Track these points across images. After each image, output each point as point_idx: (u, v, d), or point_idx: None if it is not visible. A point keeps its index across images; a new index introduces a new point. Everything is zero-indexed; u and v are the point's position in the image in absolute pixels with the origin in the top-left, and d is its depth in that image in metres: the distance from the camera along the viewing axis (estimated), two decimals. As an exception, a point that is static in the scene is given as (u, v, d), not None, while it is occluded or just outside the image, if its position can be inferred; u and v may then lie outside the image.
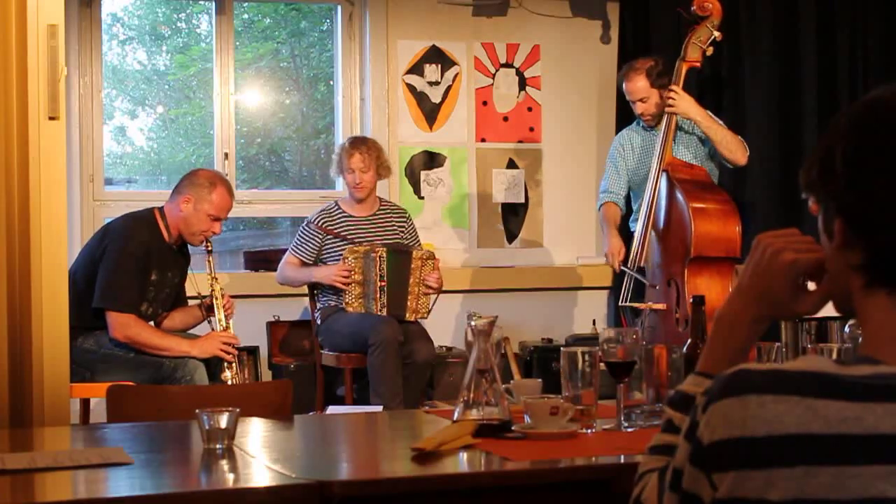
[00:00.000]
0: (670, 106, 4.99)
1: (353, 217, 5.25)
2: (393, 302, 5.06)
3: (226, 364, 4.40)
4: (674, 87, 5.01)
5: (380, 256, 5.06)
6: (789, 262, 1.40)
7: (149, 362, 4.24)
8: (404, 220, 5.36)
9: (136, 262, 4.31)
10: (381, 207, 5.34)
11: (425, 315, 5.16)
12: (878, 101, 1.28)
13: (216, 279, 4.52)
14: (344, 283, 5.05)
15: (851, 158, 1.26)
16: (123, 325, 4.25)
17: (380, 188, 5.75)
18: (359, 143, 5.23)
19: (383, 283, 5.06)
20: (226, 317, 4.50)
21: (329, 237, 5.19)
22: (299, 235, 5.27)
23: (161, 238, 4.44)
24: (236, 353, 4.46)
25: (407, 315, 5.09)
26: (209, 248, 4.52)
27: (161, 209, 4.50)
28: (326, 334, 5.12)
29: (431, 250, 5.30)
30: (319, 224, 5.20)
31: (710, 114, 5.10)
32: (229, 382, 4.37)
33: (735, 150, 5.01)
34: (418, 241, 5.37)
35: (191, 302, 4.66)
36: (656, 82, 5.12)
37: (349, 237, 5.18)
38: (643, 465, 1.45)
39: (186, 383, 4.14)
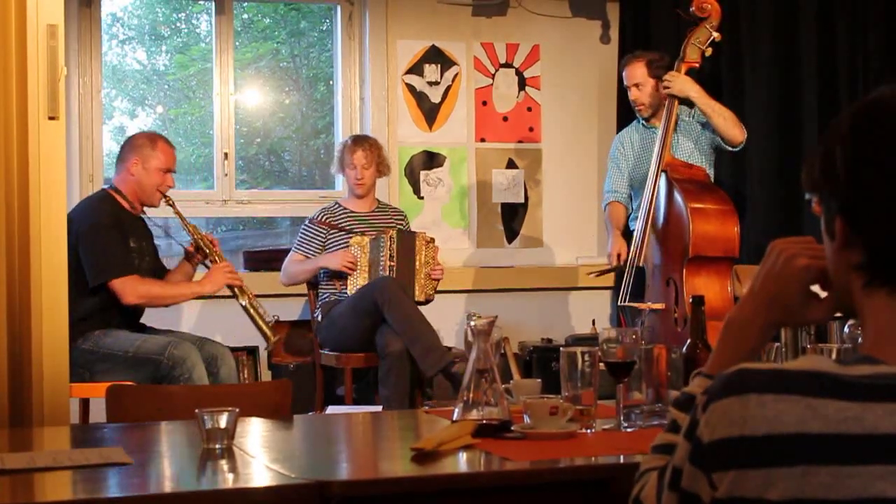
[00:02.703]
0: (667, 87, 5.01)
1: (355, 213, 5.33)
2: (402, 280, 5.10)
3: (237, 290, 4.52)
4: (668, 74, 5.05)
5: (390, 237, 5.17)
6: (803, 266, 1.40)
7: (147, 361, 4.24)
8: (402, 220, 5.46)
9: (112, 230, 4.34)
10: (380, 206, 5.45)
11: (431, 296, 5.22)
12: (879, 101, 1.29)
13: (189, 223, 4.60)
14: (349, 269, 5.09)
15: (852, 158, 1.27)
16: (132, 286, 4.30)
17: (379, 188, 5.75)
18: (361, 141, 5.35)
19: (392, 264, 5.13)
20: (215, 252, 4.56)
21: (333, 231, 5.24)
22: (302, 233, 5.32)
23: (125, 209, 4.49)
24: (241, 277, 4.59)
25: (417, 295, 5.14)
26: (170, 202, 4.57)
27: (113, 187, 4.54)
28: (328, 328, 5.12)
29: (432, 236, 5.37)
30: (322, 220, 5.28)
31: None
32: (246, 304, 4.50)
33: (733, 126, 5.03)
34: None
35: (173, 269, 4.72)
36: (654, 72, 5.17)
37: (354, 230, 5.23)
38: (644, 464, 1.45)
39: (185, 381, 4.14)
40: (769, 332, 1.47)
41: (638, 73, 5.22)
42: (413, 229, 5.48)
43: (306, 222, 5.34)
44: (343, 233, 5.25)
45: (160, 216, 4.94)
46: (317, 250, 5.27)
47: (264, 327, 4.56)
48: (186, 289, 4.47)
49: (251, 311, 4.56)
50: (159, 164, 4.52)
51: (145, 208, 4.60)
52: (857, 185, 1.26)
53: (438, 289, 5.32)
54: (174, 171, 4.61)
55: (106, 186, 4.60)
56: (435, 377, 4.86)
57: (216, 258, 4.57)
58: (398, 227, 5.35)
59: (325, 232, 5.27)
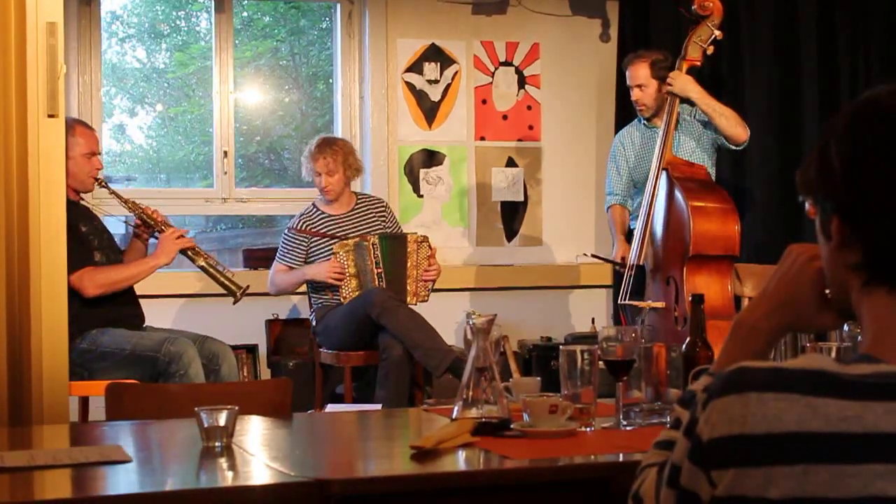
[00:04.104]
0: (669, 86, 5.01)
1: (333, 216, 5.25)
2: (392, 287, 5.06)
3: (192, 253, 4.52)
4: (671, 73, 5.04)
5: (372, 244, 5.07)
6: (820, 268, 1.40)
7: (144, 358, 4.24)
8: (383, 208, 5.37)
9: None
10: (359, 202, 5.34)
11: (426, 298, 5.17)
12: (874, 100, 1.29)
13: (129, 200, 4.59)
14: (337, 280, 5.05)
15: (848, 157, 1.26)
16: (89, 278, 4.28)
17: (378, 187, 5.75)
18: (324, 147, 5.17)
19: (380, 270, 5.07)
20: (160, 222, 4.56)
21: (315, 238, 5.18)
22: (283, 243, 5.24)
23: None
24: (193, 239, 4.58)
25: (408, 299, 5.09)
26: (103, 184, 4.56)
27: None
28: (324, 333, 5.11)
29: (424, 234, 5.30)
30: (301, 228, 5.20)
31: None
32: (204, 265, 4.50)
33: (736, 125, 5.03)
34: (399, 227, 5.38)
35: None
36: (657, 74, 5.15)
37: (335, 235, 5.18)
38: (645, 459, 1.45)
39: (181, 377, 4.14)
40: (778, 335, 1.47)
41: (641, 73, 5.20)
42: (404, 229, 5.40)
43: (286, 231, 5.26)
44: (325, 239, 5.20)
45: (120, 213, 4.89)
46: (299, 259, 5.20)
47: (227, 283, 4.54)
48: (144, 265, 4.46)
49: (210, 269, 4.54)
50: (83, 150, 4.46)
51: (81, 194, 4.57)
52: (854, 184, 1.26)
53: (437, 287, 5.29)
54: (99, 153, 4.57)
55: None
56: (442, 376, 4.83)
57: (163, 228, 4.55)
58: (380, 229, 5.24)
59: (306, 240, 5.19)
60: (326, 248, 5.15)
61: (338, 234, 5.18)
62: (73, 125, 4.54)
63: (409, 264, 5.15)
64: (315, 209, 5.27)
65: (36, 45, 3.24)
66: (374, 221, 5.28)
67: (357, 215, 5.28)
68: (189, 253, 4.54)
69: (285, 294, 5.31)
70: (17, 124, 3.23)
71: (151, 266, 4.45)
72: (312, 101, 6.50)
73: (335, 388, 5.38)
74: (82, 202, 4.56)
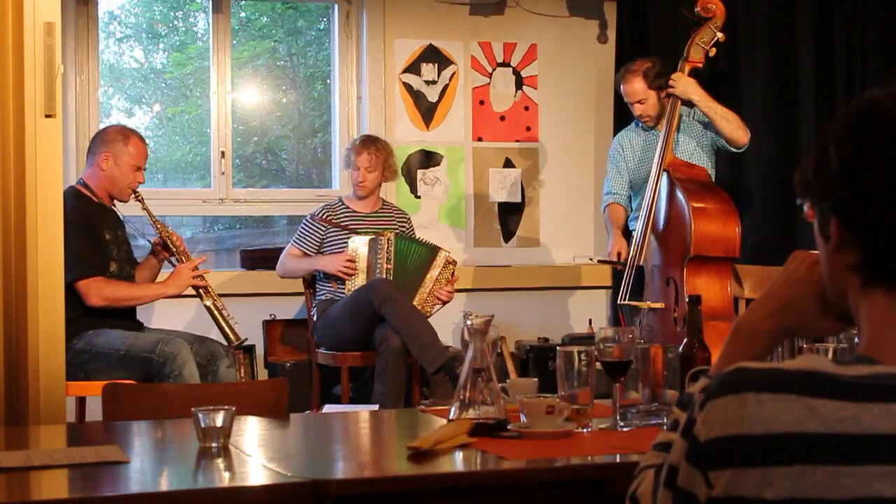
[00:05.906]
0: (671, 88, 5.01)
1: (357, 213, 5.31)
2: (399, 286, 5.06)
3: (202, 291, 4.51)
4: (673, 75, 5.03)
5: (388, 240, 5.13)
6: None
7: (139, 359, 4.23)
8: (405, 221, 5.42)
9: (80, 229, 4.26)
10: (384, 207, 5.42)
11: (429, 314, 5.17)
12: (872, 102, 1.29)
13: (158, 220, 4.60)
14: (347, 274, 5.07)
15: (847, 157, 1.26)
16: (96, 288, 4.27)
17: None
18: (369, 143, 5.29)
19: (389, 266, 5.10)
20: (181, 251, 4.56)
21: (332, 228, 5.23)
22: (302, 228, 5.30)
23: (94, 202, 4.44)
24: (207, 277, 4.56)
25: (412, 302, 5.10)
26: (140, 198, 4.55)
27: (81, 182, 4.50)
28: (324, 327, 5.11)
29: (455, 259, 5.32)
30: (323, 217, 5.26)
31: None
32: (210, 305, 4.49)
33: (736, 128, 5.03)
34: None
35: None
36: (654, 83, 5.14)
37: (353, 229, 5.21)
38: (643, 461, 1.45)
39: (175, 378, 4.14)
40: (779, 338, 1.46)
41: (638, 87, 5.17)
42: (439, 246, 5.37)
43: (307, 217, 5.32)
44: (342, 231, 5.23)
45: (132, 214, 4.87)
46: (314, 247, 5.25)
47: (227, 329, 4.52)
48: (151, 290, 4.46)
49: (215, 312, 4.53)
50: (131, 161, 4.45)
51: (115, 202, 4.57)
52: (852, 185, 1.26)
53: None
54: (145, 168, 4.56)
55: (75, 183, 4.55)
56: (436, 374, 4.83)
57: (182, 258, 4.55)
58: (400, 229, 5.31)
59: (324, 229, 5.25)
60: (342, 241, 5.18)
61: (357, 231, 5.22)
62: (128, 135, 4.53)
63: (427, 276, 5.17)
64: (341, 203, 5.35)
65: (33, 45, 3.24)
66: (394, 228, 5.30)
67: (379, 218, 5.34)
68: (200, 290, 4.52)
69: (292, 278, 5.32)
70: (14, 125, 3.23)
71: (159, 293, 4.45)
72: (310, 101, 6.50)
73: (332, 388, 5.38)
74: (113, 207, 4.54)
